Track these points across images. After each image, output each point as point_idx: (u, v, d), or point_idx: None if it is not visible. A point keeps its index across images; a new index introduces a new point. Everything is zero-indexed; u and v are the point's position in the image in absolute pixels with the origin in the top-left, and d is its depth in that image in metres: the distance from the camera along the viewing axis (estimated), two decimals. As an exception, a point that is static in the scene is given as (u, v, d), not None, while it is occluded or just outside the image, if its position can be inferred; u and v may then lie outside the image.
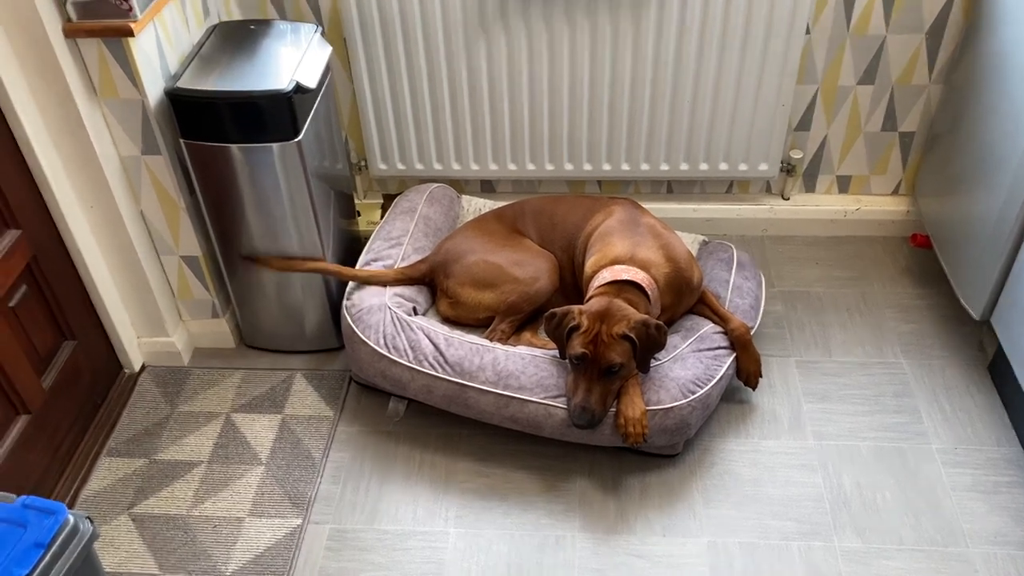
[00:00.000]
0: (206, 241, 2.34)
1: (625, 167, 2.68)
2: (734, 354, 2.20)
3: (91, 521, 1.37)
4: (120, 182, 2.16)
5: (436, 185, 2.69)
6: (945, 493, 2.06)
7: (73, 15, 1.90)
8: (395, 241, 2.46)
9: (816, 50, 2.49)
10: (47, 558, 1.28)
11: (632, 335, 1.96)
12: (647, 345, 1.99)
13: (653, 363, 2.08)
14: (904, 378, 2.34)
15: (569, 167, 2.70)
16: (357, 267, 2.38)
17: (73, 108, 1.97)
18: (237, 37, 2.25)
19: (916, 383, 2.33)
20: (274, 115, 2.06)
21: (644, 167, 2.68)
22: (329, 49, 2.29)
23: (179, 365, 2.47)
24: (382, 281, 2.33)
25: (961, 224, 2.33)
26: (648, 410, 2.02)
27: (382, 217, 2.66)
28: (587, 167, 2.69)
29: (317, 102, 2.21)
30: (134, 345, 2.43)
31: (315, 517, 2.08)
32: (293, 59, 2.13)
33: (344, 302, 2.31)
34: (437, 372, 2.14)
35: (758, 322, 2.30)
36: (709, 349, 2.17)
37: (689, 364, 2.12)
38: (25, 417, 2.04)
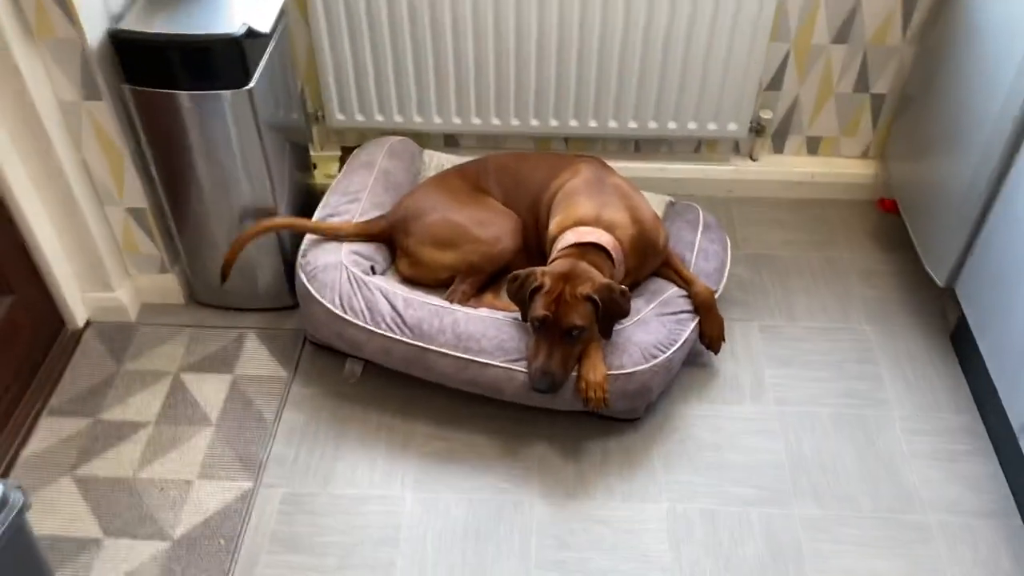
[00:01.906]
0: (152, 192, 2.23)
1: (592, 124, 2.61)
2: (697, 318, 2.16)
3: (22, 491, 1.30)
4: (59, 129, 2.03)
5: (397, 138, 2.59)
6: (904, 461, 2.06)
7: (4, -54, 1.77)
8: (353, 196, 2.37)
9: (790, 6, 2.42)
10: (-28, 531, 1.21)
11: (596, 296, 1.91)
12: (610, 309, 1.94)
13: (616, 327, 2.04)
14: (868, 344, 2.33)
15: (535, 123, 2.62)
16: (313, 220, 2.29)
17: (5, 48, 1.84)
18: (185, -24, 2.12)
19: (879, 350, 2.31)
20: (224, 60, 1.95)
21: (612, 124, 2.60)
22: (284, -8, 2.17)
23: (126, 321, 2.38)
24: (339, 234, 2.24)
25: (930, 189, 2.30)
26: (609, 374, 1.98)
27: (339, 170, 2.56)
28: (553, 123, 2.61)
29: (270, 47, 2.10)
30: (77, 300, 2.32)
31: (267, 480, 2.02)
32: (244, 2, 2.01)
33: (299, 259, 2.22)
34: (395, 334, 2.07)
35: (722, 286, 2.26)
36: (672, 313, 2.13)
37: (652, 328, 2.08)
38: (-41, 375, 1.94)
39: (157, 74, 1.97)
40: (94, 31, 1.92)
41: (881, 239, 2.63)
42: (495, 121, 2.62)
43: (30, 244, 2.14)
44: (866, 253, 2.59)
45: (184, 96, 1.99)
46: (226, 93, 1.99)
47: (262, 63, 2.05)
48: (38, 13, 1.86)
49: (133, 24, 1.94)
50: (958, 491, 1.99)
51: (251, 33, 1.94)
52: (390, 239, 2.31)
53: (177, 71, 1.96)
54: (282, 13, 2.16)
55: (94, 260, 2.26)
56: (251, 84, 1.99)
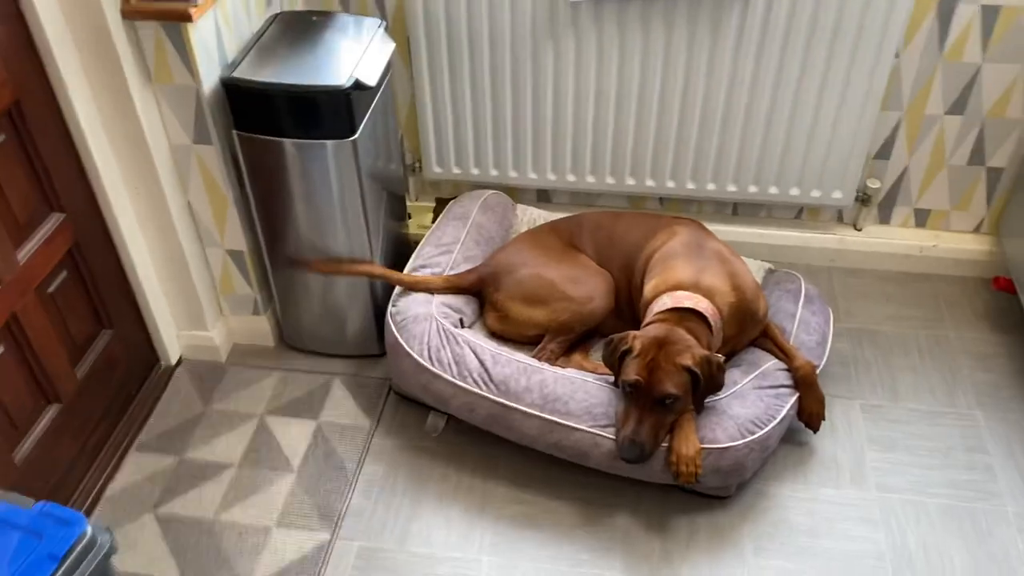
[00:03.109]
0: (252, 236, 2.26)
1: (690, 186, 2.55)
2: (797, 394, 2.06)
3: (110, 533, 1.30)
4: (169, 171, 2.09)
5: (491, 192, 2.59)
6: (1020, 561, 1.90)
7: (132, -4, 1.84)
8: (445, 248, 2.36)
9: (904, 74, 2.34)
10: (60, 572, 1.20)
11: (696, 368, 1.84)
12: (708, 383, 1.86)
13: (710, 399, 1.96)
14: (978, 431, 2.18)
15: (631, 182, 2.58)
16: (405, 272, 2.29)
17: (126, 92, 1.91)
18: (298, 28, 2.17)
19: (991, 438, 2.16)
20: (331, 111, 1.97)
21: (710, 187, 2.55)
22: (392, 45, 2.20)
23: (216, 361, 2.41)
24: (429, 288, 2.23)
25: (1051, 270, 2.17)
26: (703, 448, 1.90)
27: (434, 221, 2.57)
28: (649, 183, 2.57)
29: (376, 100, 2.13)
30: (172, 337, 2.37)
31: (344, 533, 1.99)
32: (354, 54, 2.05)
33: (389, 308, 2.22)
34: (481, 390, 2.04)
35: (824, 361, 2.16)
36: (771, 387, 2.04)
37: (749, 402, 1.99)
38: (56, 406, 1.98)
39: (265, 121, 2.01)
40: (209, 79, 1.97)
41: (994, 319, 2.49)
42: (590, 179, 2.60)
43: (132, 281, 2.19)
44: (977, 333, 2.44)
45: (289, 144, 2.02)
46: (330, 143, 2.01)
47: (367, 115, 2.07)
48: (158, 60, 1.92)
49: (246, 72, 1.98)
50: (1082, 601, 1.83)
51: (359, 85, 1.96)
52: (480, 293, 2.29)
53: (284, 119, 1.99)
54: (389, 66, 2.19)
55: (191, 299, 2.30)
56: (356, 135, 2.01)
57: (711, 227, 2.42)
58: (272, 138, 2.02)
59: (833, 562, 1.91)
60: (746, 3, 2.20)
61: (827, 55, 2.26)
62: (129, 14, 1.84)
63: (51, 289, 1.93)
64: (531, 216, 2.61)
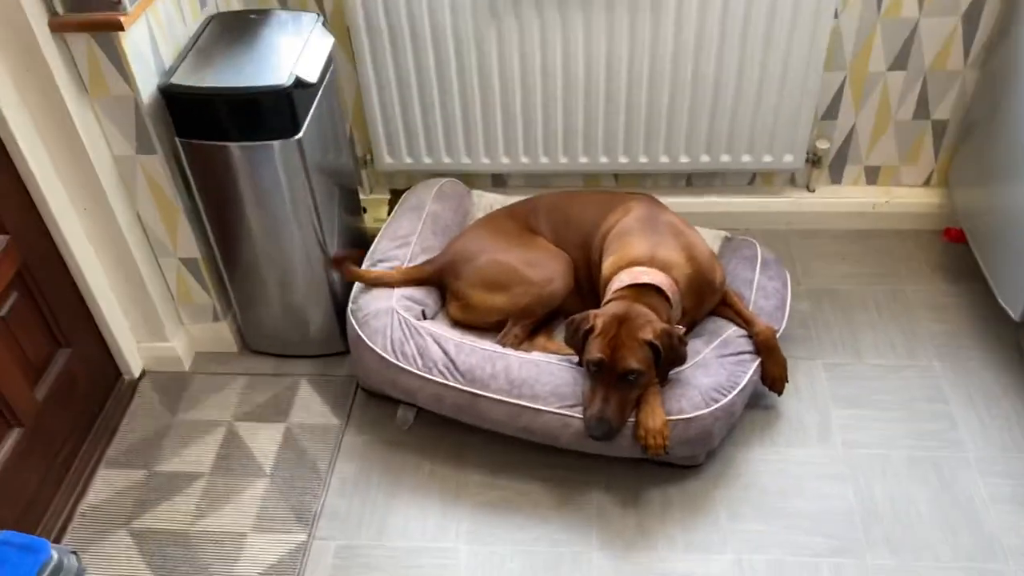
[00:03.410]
0: (205, 243, 2.24)
1: (643, 160, 2.56)
2: (759, 359, 2.09)
3: (76, 555, 1.29)
4: (114, 183, 2.06)
5: (445, 180, 2.58)
6: (983, 505, 1.95)
7: (59, 8, 1.80)
8: (402, 240, 2.35)
9: (845, 34, 2.36)
10: (28, 600, 1.20)
11: (656, 342, 1.86)
12: (669, 355, 1.88)
13: (674, 371, 1.97)
14: (938, 382, 2.22)
15: (584, 160, 2.58)
16: (362, 268, 2.28)
17: (62, 106, 1.87)
18: (235, 28, 2.14)
19: (951, 387, 2.21)
20: (273, 112, 1.95)
21: (663, 159, 2.55)
22: (331, 40, 2.18)
23: (180, 371, 2.39)
24: (388, 283, 2.22)
25: (998, 217, 2.21)
26: (669, 420, 1.92)
27: (389, 214, 2.56)
28: (603, 160, 2.58)
29: (319, 96, 2.10)
30: (133, 351, 2.34)
31: (321, 532, 1.99)
32: (293, 51, 2.02)
33: (349, 305, 2.21)
34: (447, 380, 2.04)
35: (784, 324, 2.19)
36: (733, 354, 2.06)
37: (712, 370, 2.01)
38: (18, 430, 1.95)
39: (208, 127, 1.98)
40: (146, 87, 1.94)
41: (949, 270, 2.53)
42: (543, 160, 2.59)
43: (87, 297, 2.16)
44: (933, 285, 2.49)
45: (235, 147, 2.00)
46: (276, 143, 1.99)
47: (311, 112, 2.05)
48: (92, 72, 1.89)
49: (183, 79, 1.95)
50: (1044, 539, 1.88)
51: (299, 83, 1.94)
52: (440, 283, 2.29)
53: (227, 123, 1.97)
54: (330, 61, 2.16)
55: (149, 311, 2.28)
56: (300, 134, 2.00)
57: (667, 199, 2.44)
58: (216, 143, 1.99)
59: (805, 520, 1.95)
60: (683, -26, 2.20)
61: (767, 19, 2.27)
62: (57, 27, 1.81)
63: (1, 313, 1.90)
64: (487, 201, 2.61)
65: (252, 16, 2.19)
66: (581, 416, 1.95)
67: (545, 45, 2.36)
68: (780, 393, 2.14)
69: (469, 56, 2.39)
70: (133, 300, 2.26)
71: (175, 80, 1.95)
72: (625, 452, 1.97)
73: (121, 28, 1.79)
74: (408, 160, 2.63)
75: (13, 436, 1.94)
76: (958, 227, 2.54)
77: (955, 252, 2.57)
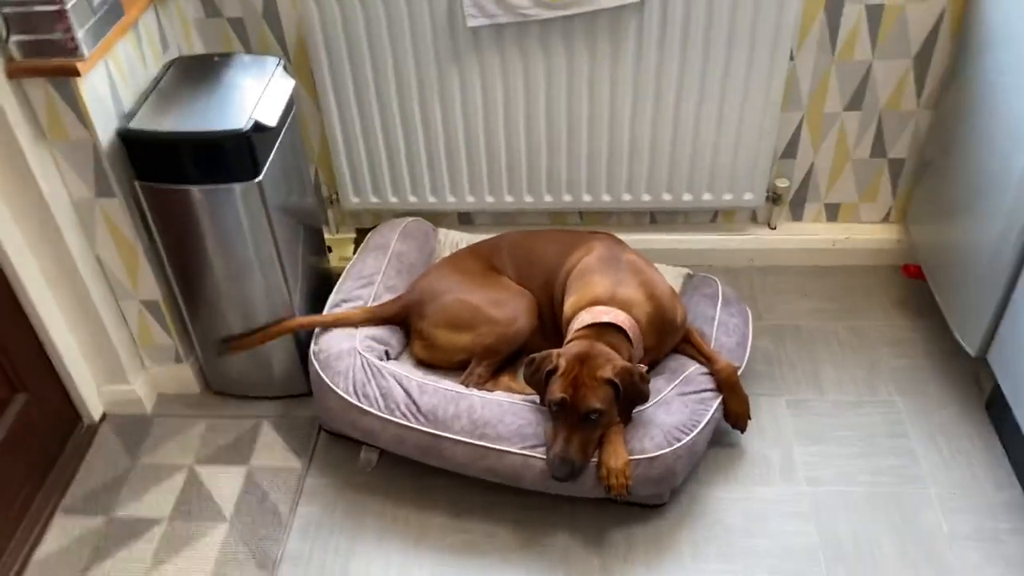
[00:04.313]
0: (166, 284, 2.22)
1: (606, 198, 2.58)
2: (721, 396, 2.09)
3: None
4: (73, 226, 2.05)
5: (410, 219, 2.58)
6: (944, 542, 1.96)
7: (16, 54, 1.80)
8: (366, 280, 2.35)
9: (801, 76, 2.41)
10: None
11: (616, 380, 1.86)
12: (630, 393, 1.88)
13: (637, 409, 1.98)
14: (899, 417, 2.24)
15: (548, 199, 2.60)
16: (326, 309, 2.27)
17: (18, 151, 1.86)
18: (197, 72, 2.15)
19: (911, 423, 2.23)
20: (233, 155, 1.95)
21: (626, 198, 2.58)
22: (292, 83, 2.19)
23: (141, 413, 2.36)
24: (351, 323, 2.22)
25: (955, 254, 2.24)
26: (632, 459, 1.92)
27: (354, 253, 2.56)
28: (567, 198, 2.60)
29: (280, 138, 2.11)
30: (93, 394, 2.31)
31: (281, 579, 1.96)
32: (253, 95, 2.03)
33: (312, 347, 2.20)
34: (409, 422, 2.03)
35: (745, 361, 2.20)
36: (695, 392, 2.07)
37: (674, 408, 2.02)
38: (-29, 478, 1.92)
39: (168, 170, 1.98)
40: (105, 131, 1.94)
41: (908, 306, 2.56)
42: (508, 198, 2.61)
43: (44, 341, 2.13)
44: (893, 321, 2.52)
45: (195, 190, 1.99)
46: (236, 186, 1.99)
47: (272, 154, 2.05)
48: (49, 116, 1.88)
49: (143, 122, 1.95)
50: (1002, 573, 1.88)
51: (258, 127, 1.95)
52: (404, 322, 2.28)
53: (187, 167, 1.97)
54: (291, 103, 2.17)
55: (109, 354, 2.25)
56: (261, 176, 2.00)
57: (631, 237, 2.46)
58: (176, 186, 1.99)
59: (770, 559, 1.95)
60: (641, 18, 2.24)
61: (724, 62, 2.31)
62: (14, 73, 1.80)
63: (-45, 359, 1.87)
64: (453, 239, 2.62)
65: (215, 59, 2.20)
66: (544, 457, 1.94)
67: (507, 86, 2.38)
68: (743, 430, 2.15)
69: (432, 98, 2.41)
70: (93, 343, 2.23)
71: (134, 124, 1.95)
72: (589, 492, 1.96)
73: (77, 74, 1.79)
74: (374, 199, 2.64)
75: (-35, 484, 1.91)
76: (916, 263, 2.58)
77: (914, 288, 2.61)
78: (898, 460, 2.14)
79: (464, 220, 2.76)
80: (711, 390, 2.09)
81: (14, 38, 1.78)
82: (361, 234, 2.72)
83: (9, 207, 1.95)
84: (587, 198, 2.59)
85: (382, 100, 2.43)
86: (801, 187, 2.64)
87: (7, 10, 1.74)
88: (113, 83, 1.97)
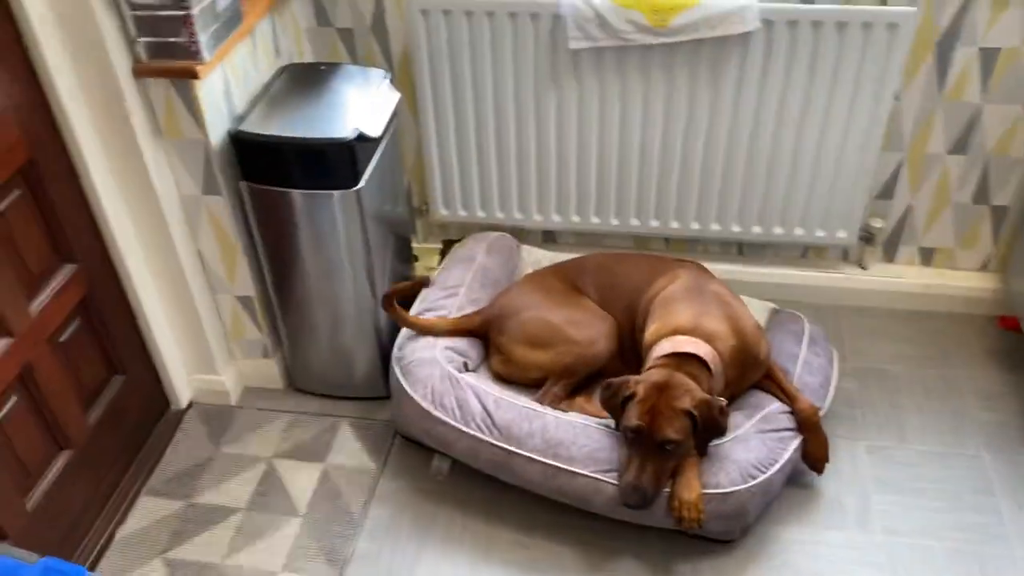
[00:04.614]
0: (261, 282, 2.31)
1: (695, 226, 2.57)
2: (800, 436, 2.06)
3: (112, 587, 1.32)
4: (179, 221, 2.14)
5: (496, 234, 2.62)
6: (1028, 608, 1.89)
7: (143, 55, 1.89)
8: (451, 291, 2.39)
9: (904, 116, 2.36)
10: (63, 628, 1.23)
11: (695, 412, 1.85)
12: (708, 426, 1.87)
13: (714, 443, 1.96)
14: (985, 473, 2.16)
15: (635, 223, 2.60)
16: (410, 315, 2.32)
17: (136, 146, 1.96)
18: (306, 80, 2.23)
19: (998, 479, 2.15)
20: (335, 163, 2.02)
21: (714, 227, 2.56)
22: (397, 96, 2.25)
23: (226, 404, 2.44)
24: (435, 331, 2.26)
25: (1056, 310, 2.16)
26: (705, 493, 1.90)
27: (440, 263, 2.60)
28: (654, 223, 2.59)
29: (380, 149, 2.17)
30: (183, 382, 2.41)
31: (349, 577, 2.01)
32: (359, 106, 2.10)
33: (394, 352, 2.24)
34: (484, 435, 2.05)
35: (828, 403, 2.16)
36: (774, 430, 2.04)
37: (752, 445, 1.99)
38: (68, 452, 2.02)
39: (272, 173, 2.06)
40: (217, 132, 2.02)
41: (1001, 359, 2.47)
42: (594, 219, 2.62)
43: (143, 327, 2.23)
44: (985, 372, 2.43)
45: (296, 194, 2.07)
46: (336, 193, 2.06)
47: (371, 164, 2.11)
48: (167, 115, 1.98)
49: (253, 126, 2.04)
50: (1091, 649, 1.81)
51: (362, 137, 2.01)
52: (485, 335, 2.31)
53: (291, 171, 2.04)
54: (393, 116, 2.23)
55: (202, 344, 2.34)
56: (360, 185, 2.06)
57: (717, 267, 2.44)
58: (279, 189, 2.07)
59: (838, 608, 1.91)
60: (746, 48, 2.23)
61: (827, 96, 2.28)
62: (140, 72, 1.90)
63: (63, 338, 1.98)
64: (536, 257, 2.64)
65: (322, 68, 2.28)
66: (616, 482, 1.94)
67: (603, 110, 2.40)
68: (820, 473, 2.11)
69: (528, 116, 2.44)
70: (187, 333, 2.33)
71: (244, 127, 2.03)
72: (658, 522, 1.95)
73: (197, 76, 1.88)
74: (462, 212, 2.68)
75: (63, 458, 2.01)
76: (1013, 315, 2.49)
77: (1010, 340, 2.52)
78: (982, 517, 2.07)
79: (548, 239, 2.78)
80: (791, 429, 2.06)
81: (142, 40, 1.87)
82: (447, 245, 2.77)
83: (124, 199, 2.05)
84: (675, 224, 2.58)
85: (479, 116, 2.47)
86: (896, 228, 2.58)
87: (138, 13, 1.84)
88: (228, 86, 2.06)
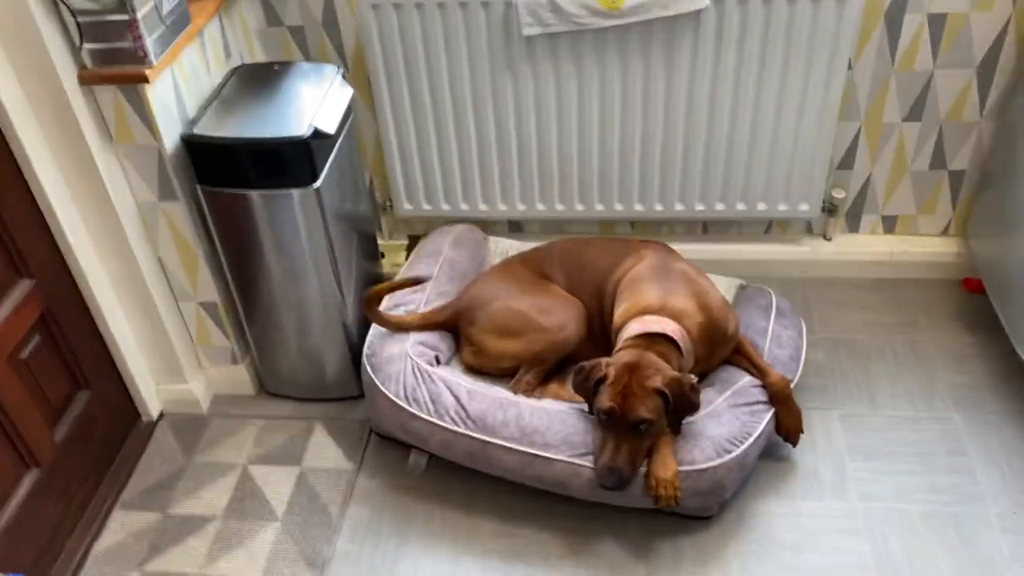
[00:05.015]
0: (224, 287, 2.28)
1: (658, 207, 2.58)
2: (773, 409, 2.07)
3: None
4: (137, 229, 2.11)
5: (462, 227, 2.61)
6: (1005, 564, 1.91)
7: (88, 62, 1.86)
8: (418, 286, 2.38)
9: (859, 86, 2.38)
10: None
11: (666, 390, 1.85)
12: (680, 404, 1.87)
13: (687, 420, 1.97)
14: (957, 434, 2.19)
15: (600, 207, 2.60)
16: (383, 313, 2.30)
17: (88, 155, 1.93)
18: (258, 80, 2.20)
19: (970, 440, 2.17)
20: (292, 161, 2.00)
21: (678, 207, 2.57)
22: (350, 91, 2.23)
23: (197, 412, 2.41)
24: (407, 328, 2.24)
25: (1017, 268, 2.19)
26: (681, 470, 1.90)
27: (407, 259, 2.59)
28: (618, 207, 2.60)
29: (338, 145, 2.15)
30: (152, 393, 2.37)
31: (331, 579, 1.99)
32: (313, 103, 2.07)
33: (364, 350, 2.23)
34: (458, 427, 2.05)
35: (799, 374, 2.17)
36: (746, 404, 2.05)
37: (725, 420, 2.00)
38: (35, 471, 1.99)
39: (229, 175, 2.03)
40: (170, 136, 2.00)
41: (967, 321, 2.50)
42: (559, 207, 2.62)
43: (107, 339, 2.20)
44: (952, 336, 2.46)
45: (255, 195, 2.04)
46: (295, 191, 2.03)
47: (329, 161, 2.09)
48: (118, 122, 1.95)
49: (206, 128, 2.01)
50: (1067, 600, 1.83)
51: (318, 134, 1.99)
52: (455, 328, 2.30)
53: (247, 172, 2.02)
54: (349, 111, 2.21)
55: (168, 353, 2.31)
56: (318, 182, 2.04)
57: (683, 247, 2.44)
58: (236, 190, 2.04)
59: (820, 575, 1.92)
60: (697, 27, 2.24)
61: (781, 70, 2.29)
62: (86, 80, 1.87)
63: (24, 355, 1.94)
64: (503, 247, 2.63)
65: (275, 68, 2.25)
66: (592, 465, 1.94)
67: (560, 95, 2.39)
68: (795, 444, 2.12)
69: (486, 106, 2.43)
70: (153, 343, 2.30)
71: (197, 130, 2.01)
72: (636, 502, 1.96)
73: (146, 81, 1.85)
74: (426, 207, 2.67)
75: (31, 477, 1.98)
76: (977, 277, 2.52)
77: (974, 302, 2.55)
78: (956, 478, 2.09)
79: (514, 228, 2.78)
80: (763, 402, 2.06)
81: (87, 46, 1.84)
82: (413, 240, 2.76)
83: (79, 210, 2.02)
84: (639, 207, 2.59)
85: (437, 109, 2.46)
86: (858, 198, 2.60)
87: (81, 19, 1.81)
88: (178, 90, 2.03)
